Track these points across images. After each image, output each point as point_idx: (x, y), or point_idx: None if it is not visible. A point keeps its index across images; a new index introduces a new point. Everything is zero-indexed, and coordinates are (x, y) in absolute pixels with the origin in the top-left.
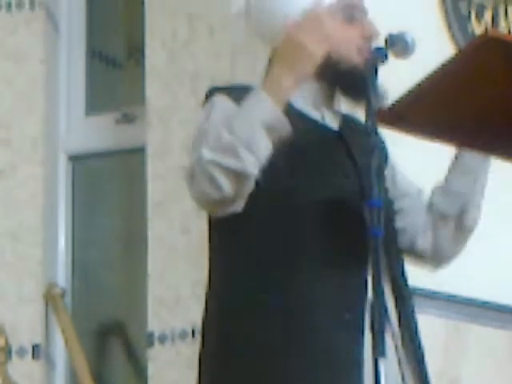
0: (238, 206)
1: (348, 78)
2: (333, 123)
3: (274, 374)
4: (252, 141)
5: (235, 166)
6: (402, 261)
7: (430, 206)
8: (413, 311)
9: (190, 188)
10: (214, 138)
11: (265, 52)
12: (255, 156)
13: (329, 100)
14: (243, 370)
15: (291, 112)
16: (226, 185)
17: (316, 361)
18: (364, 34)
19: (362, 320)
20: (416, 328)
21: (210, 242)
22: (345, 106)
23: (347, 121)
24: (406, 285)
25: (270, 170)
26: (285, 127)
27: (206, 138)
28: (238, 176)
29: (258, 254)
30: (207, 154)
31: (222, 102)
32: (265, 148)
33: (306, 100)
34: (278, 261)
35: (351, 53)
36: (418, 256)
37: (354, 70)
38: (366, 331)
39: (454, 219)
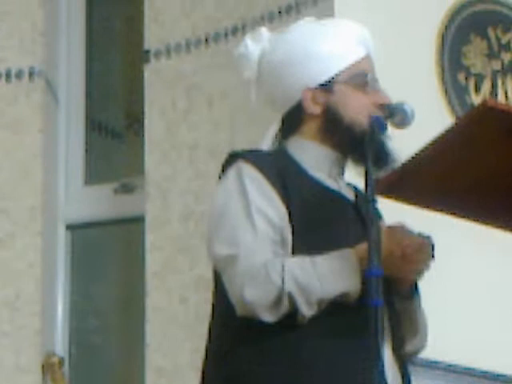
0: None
1: (359, 144)
2: (348, 194)
3: None
4: (325, 299)
5: (302, 307)
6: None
7: None
8: (409, 381)
9: (244, 281)
10: (298, 269)
11: (265, 121)
12: (317, 309)
13: (341, 170)
14: None
15: (311, 182)
16: (285, 305)
17: None
18: (376, 101)
19: None
20: None
21: (214, 299)
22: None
23: (358, 191)
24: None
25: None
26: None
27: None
28: (294, 310)
29: (266, 328)
30: (292, 272)
31: (258, 184)
32: (326, 305)
33: (322, 169)
34: (286, 333)
35: (363, 120)
36: None
37: (365, 137)
38: None
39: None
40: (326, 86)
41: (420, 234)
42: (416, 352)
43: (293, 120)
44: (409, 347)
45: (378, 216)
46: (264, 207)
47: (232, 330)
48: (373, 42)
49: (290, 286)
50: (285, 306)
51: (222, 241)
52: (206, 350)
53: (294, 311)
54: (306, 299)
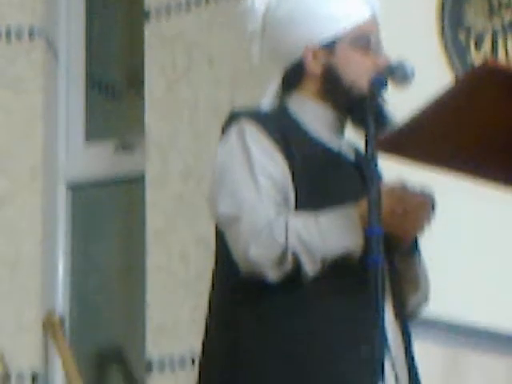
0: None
1: (358, 106)
2: (348, 153)
3: None
4: (328, 256)
5: (306, 265)
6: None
7: None
8: (410, 340)
9: (248, 240)
10: (301, 226)
11: (266, 80)
12: (320, 268)
13: (342, 129)
14: None
15: (312, 141)
16: (289, 263)
17: None
18: (377, 64)
19: (382, 354)
20: (413, 356)
21: (216, 265)
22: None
23: (358, 150)
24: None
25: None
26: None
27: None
28: (298, 268)
29: (269, 289)
30: (295, 230)
31: (260, 144)
32: (329, 263)
33: (322, 128)
34: (289, 294)
35: (363, 82)
36: None
37: (364, 100)
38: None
39: None
40: (328, 46)
41: (421, 191)
42: (418, 309)
43: (293, 77)
44: (410, 304)
45: (378, 175)
46: (267, 166)
47: (234, 295)
48: (378, 3)
49: (293, 244)
50: (288, 264)
51: (225, 200)
52: (206, 323)
53: (297, 269)
54: (310, 257)
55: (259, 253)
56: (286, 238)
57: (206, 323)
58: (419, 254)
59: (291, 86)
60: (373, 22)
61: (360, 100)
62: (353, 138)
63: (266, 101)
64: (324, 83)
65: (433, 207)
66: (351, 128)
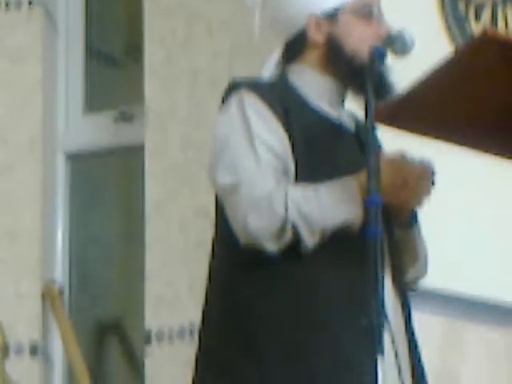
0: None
1: (359, 76)
2: (348, 124)
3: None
4: (328, 228)
5: (305, 236)
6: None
7: None
8: (410, 311)
9: (247, 210)
10: (301, 198)
11: (265, 50)
12: (320, 239)
13: (342, 100)
14: (247, 368)
15: (312, 111)
16: (289, 234)
17: (328, 360)
18: (380, 33)
19: (381, 326)
20: (413, 327)
21: (216, 235)
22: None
23: (358, 120)
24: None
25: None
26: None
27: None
28: (297, 240)
29: (269, 260)
30: (295, 201)
31: (261, 115)
32: (329, 236)
33: (322, 98)
34: (289, 265)
35: (364, 52)
36: None
37: (364, 69)
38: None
39: None
40: (331, 15)
41: (421, 161)
42: (416, 280)
43: (295, 47)
44: (409, 275)
45: (378, 145)
46: (266, 136)
47: (234, 265)
48: None
49: (293, 215)
50: (288, 235)
51: (225, 170)
52: (206, 292)
53: (297, 241)
54: (309, 228)
55: (258, 224)
56: (286, 210)
57: (206, 293)
58: (418, 226)
59: (293, 56)
60: None
61: (360, 69)
62: (353, 109)
63: (267, 71)
64: (326, 53)
65: (433, 178)
66: (351, 100)
